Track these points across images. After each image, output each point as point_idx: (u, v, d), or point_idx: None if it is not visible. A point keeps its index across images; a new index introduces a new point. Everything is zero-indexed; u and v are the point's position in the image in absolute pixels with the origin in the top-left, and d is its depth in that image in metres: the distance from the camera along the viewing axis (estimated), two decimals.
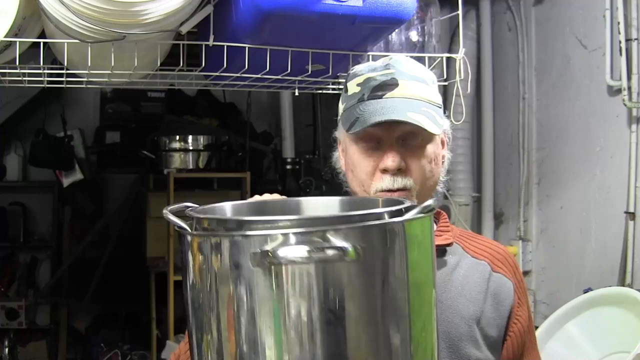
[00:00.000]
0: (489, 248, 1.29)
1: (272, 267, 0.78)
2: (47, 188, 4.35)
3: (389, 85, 1.20)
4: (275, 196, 1.17)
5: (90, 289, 3.99)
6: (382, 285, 0.83)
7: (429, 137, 1.20)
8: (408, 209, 0.88)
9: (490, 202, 3.37)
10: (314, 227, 0.79)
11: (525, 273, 3.05)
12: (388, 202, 1.02)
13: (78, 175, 4.07)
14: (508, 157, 3.33)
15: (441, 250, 1.25)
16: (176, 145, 3.82)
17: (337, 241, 0.78)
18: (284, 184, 3.61)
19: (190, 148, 3.82)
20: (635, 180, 2.50)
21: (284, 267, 0.78)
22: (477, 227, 3.38)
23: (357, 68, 1.28)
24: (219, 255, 0.81)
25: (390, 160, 1.17)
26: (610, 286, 2.42)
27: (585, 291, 2.36)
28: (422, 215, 0.87)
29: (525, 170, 3.19)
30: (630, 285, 2.45)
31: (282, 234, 0.78)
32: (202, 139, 3.84)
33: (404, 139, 1.19)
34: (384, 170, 1.19)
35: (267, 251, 0.77)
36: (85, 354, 4.18)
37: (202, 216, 0.86)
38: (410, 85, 1.20)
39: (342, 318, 0.80)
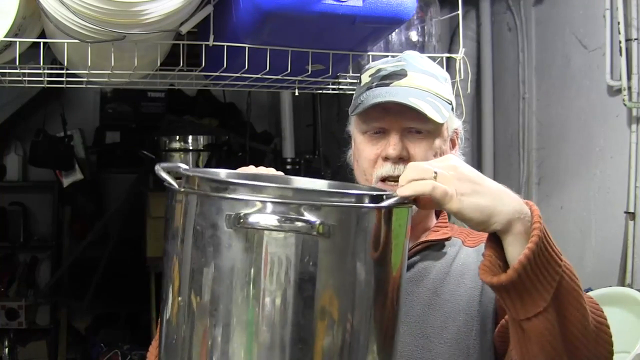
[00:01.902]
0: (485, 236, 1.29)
1: (245, 230, 0.81)
2: (47, 188, 4.36)
3: (398, 75, 1.22)
4: (270, 170, 1.21)
5: (90, 289, 3.99)
6: (349, 265, 0.84)
7: (435, 130, 1.21)
8: (389, 197, 0.90)
9: None
10: (290, 199, 0.82)
11: None
12: (374, 190, 1.05)
13: (78, 175, 4.07)
14: (508, 157, 3.33)
15: (440, 245, 1.26)
16: (176, 145, 3.82)
17: (310, 215, 0.81)
18: None
19: (190, 148, 3.82)
20: (635, 180, 2.49)
21: (255, 233, 0.81)
22: None
23: (373, 62, 1.31)
24: (199, 213, 0.85)
25: (392, 147, 1.19)
26: (610, 286, 2.42)
27: (586, 291, 2.36)
28: (399, 204, 0.89)
29: (525, 170, 3.18)
30: (630, 285, 2.45)
31: (260, 201, 0.81)
32: (202, 139, 3.84)
33: (410, 130, 1.21)
34: (386, 158, 1.20)
35: (240, 215, 0.81)
36: (85, 354, 4.18)
37: (192, 174, 0.89)
38: (419, 77, 1.22)
39: (304, 290, 0.82)
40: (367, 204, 0.87)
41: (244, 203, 0.82)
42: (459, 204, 0.93)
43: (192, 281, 0.85)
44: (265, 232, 0.81)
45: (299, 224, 0.80)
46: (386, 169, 1.20)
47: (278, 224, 0.80)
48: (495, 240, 0.97)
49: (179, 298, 0.87)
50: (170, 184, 0.90)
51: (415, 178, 0.93)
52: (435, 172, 0.93)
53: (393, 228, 0.89)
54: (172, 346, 0.88)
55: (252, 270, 0.82)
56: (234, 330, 0.83)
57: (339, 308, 0.84)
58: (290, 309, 0.82)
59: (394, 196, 0.91)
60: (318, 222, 0.80)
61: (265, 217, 0.80)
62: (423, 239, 1.27)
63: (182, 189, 0.88)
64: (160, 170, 0.90)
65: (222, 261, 0.83)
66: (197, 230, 0.85)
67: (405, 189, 0.92)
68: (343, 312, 0.85)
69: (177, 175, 0.92)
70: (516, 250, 0.95)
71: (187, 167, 0.94)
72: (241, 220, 0.81)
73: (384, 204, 0.88)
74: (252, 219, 0.80)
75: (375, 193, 0.91)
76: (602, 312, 1.09)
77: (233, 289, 0.83)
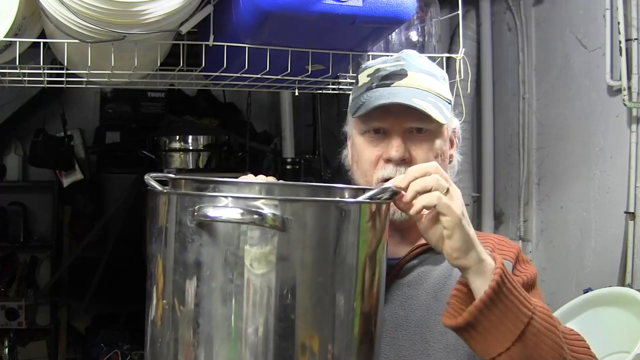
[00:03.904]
0: (491, 239, 1.28)
1: (204, 224, 0.84)
2: (47, 188, 4.35)
3: (398, 75, 1.21)
4: (270, 179, 1.19)
5: (90, 289, 3.99)
6: (308, 259, 0.85)
7: (436, 130, 1.20)
8: (368, 192, 0.91)
9: (490, 202, 3.36)
10: (250, 194, 0.85)
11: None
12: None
13: (78, 175, 4.07)
14: (508, 157, 3.33)
15: None
16: (176, 145, 3.82)
17: (266, 209, 0.82)
18: None
19: (190, 148, 3.82)
20: (635, 180, 2.49)
21: (215, 226, 0.83)
22: (477, 227, 3.35)
23: (369, 62, 1.30)
24: (169, 210, 0.89)
25: (395, 149, 1.18)
26: (610, 286, 2.42)
27: (585, 291, 2.36)
28: (367, 201, 0.90)
29: (525, 170, 3.18)
30: (630, 285, 2.45)
31: (221, 197, 0.84)
32: (202, 139, 3.83)
33: (411, 130, 1.19)
34: (388, 160, 1.19)
35: (194, 209, 0.83)
36: (85, 354, 4.17)
37: (177, 177, 0.96)
38: (420, 77, 1.21)
39: (259, 284, 0.83)
40: (323, 198, 0.88)
41: (205, 199, 0.84)
42: (455, 227, 0.97)
43: (169, 276, 0.90)
44: (221, 224, 0.83)
45: (252, 216, 0.81)
46: (388, 170, 1.18)
47: (232, 216, 0.82)
48: (463, 287, 1.02)
49: (163, 299, 0.93)
50: (153, 187, 0.94)
51: (428, 186, 0.97)
52: (448, 189, 0.98)
53: (361, 224, 0.89)
54: (156, 334, 0.96)
55: (213, 263, 0.84)
56: (207, 323, 0.85)
57: (298, 303, 0.84)
58: (248, 303, 0.83)
59: (372, 189, 0.92)
60: (269, 214, 0.81)
61: (219, 211, 0.82)
62: (422, 242, 1.25)
63: (160, 190, 0.92)
64: (150, 179, 0.96)
65: (189, 255, 0.86)
66: (168, 227, 0.89)
67: (411, 195, 0.97)
68: (304, 308, 0.85)
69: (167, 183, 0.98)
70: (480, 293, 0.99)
71: (174, 176, 1.00)
72: (195, 214, 0.83)
73: (346, 199, 0.89)
74: (207, 212, 0.82)
75: (350, 187, 0.92)
76: (588, 348, 1.13)
77: (200, 283, 0.85)
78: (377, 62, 1.27)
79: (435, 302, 1.19)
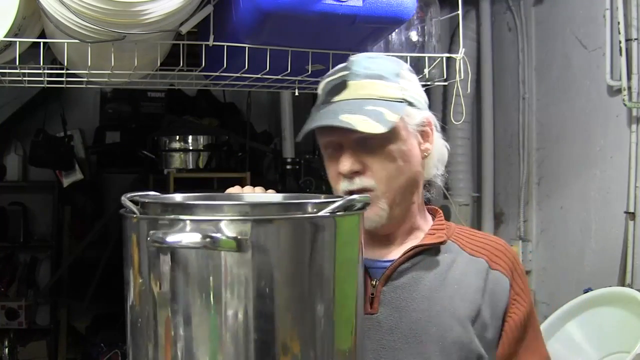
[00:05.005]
0: (487, 244, 1.26)
1: (163, 249, 0.82)
2: (47, 188, 4.35)
3: (338, 87, 1.19)
4: (258, 189, 1.19)
5: (90, 289, 3.99)
6: (266, 281, 0.82)
7: (389, 134, 1.15)
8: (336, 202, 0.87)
9: (490, 202, 3.37)
10: (200, 216, 0.83)
11: (526, 273, 3.05)
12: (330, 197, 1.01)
13: (78, 175, 4.07)
14: (508, 157, 3.33)
15: (435, 250, 1.23)
16: (176, 145, 3.81)
17: (227, 231, 0.80)
18: (284, 184, 3.61)
19: (190, 148, 3.82)
20: (635, 180, 2.50)
21: (174, 251, 0.82)
22: (477, 227, 3.37)
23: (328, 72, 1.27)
24: (132, 235, 0.88)
25: (342, 164, 1.17)
26: (610, 286, 2.42)
27: (585, 291, 2.36)
28: (328, 214, 0.86)
29: (525, 170, 3.19)
30: (630, 285, 2.45)
31: (179, 220, 0.82)
32: (202, 139, 3.83)
33: (363, 140, 1.16)
34: (343, 175, 1.18)
35: (148, 235, 0.82)
36: (85, 354, 4.17)
37: (146, 200, 0.92)
38: (360, 85, 1.18)
39: (216, 308, 0.81)
40: (281, 215, 0.85)
41: (161, 223, 0.83)
42: None
43: (139, 296, 0.88)
44: (179, 250, 0.81)
45: (204, 240, 0.79)
46: (344, 185, 1.18)
47: (187, 240, 0.80)
48: None
49: (139, 327, 0.89)
50: (127, 207, 0.91)
51: None
52: None
53: (324, 238, 0.86)
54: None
55: (178, 288, 0.82)
56: (183, 349, 0.84)
57: (259, 325, 0.82)
58: (220, 327, 0.81)
59: (337, 201, 0.88)
60: (222, 237, 0.79)
61: (173, 236, 0.80)
62: (416, 242, 1.23)
63: (123, 213, 0.90)
64: (126, 200, 0.92)
65: (153, 279, 0.85)
66: (133, 251, 0.87)
67: None
68: (264, 329, 0.83)
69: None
70: None
71: (156, 194, 0.97)
72: (149, 239, 0.82)
73: (300, 214, 0.85)
74: (160, 236, 0.81)
75: (316, 201, 0.88)
76: None
77: (172, 309, 0.83)
78: (327, 74, 1.24)
79: (432, 305, 1.18)
